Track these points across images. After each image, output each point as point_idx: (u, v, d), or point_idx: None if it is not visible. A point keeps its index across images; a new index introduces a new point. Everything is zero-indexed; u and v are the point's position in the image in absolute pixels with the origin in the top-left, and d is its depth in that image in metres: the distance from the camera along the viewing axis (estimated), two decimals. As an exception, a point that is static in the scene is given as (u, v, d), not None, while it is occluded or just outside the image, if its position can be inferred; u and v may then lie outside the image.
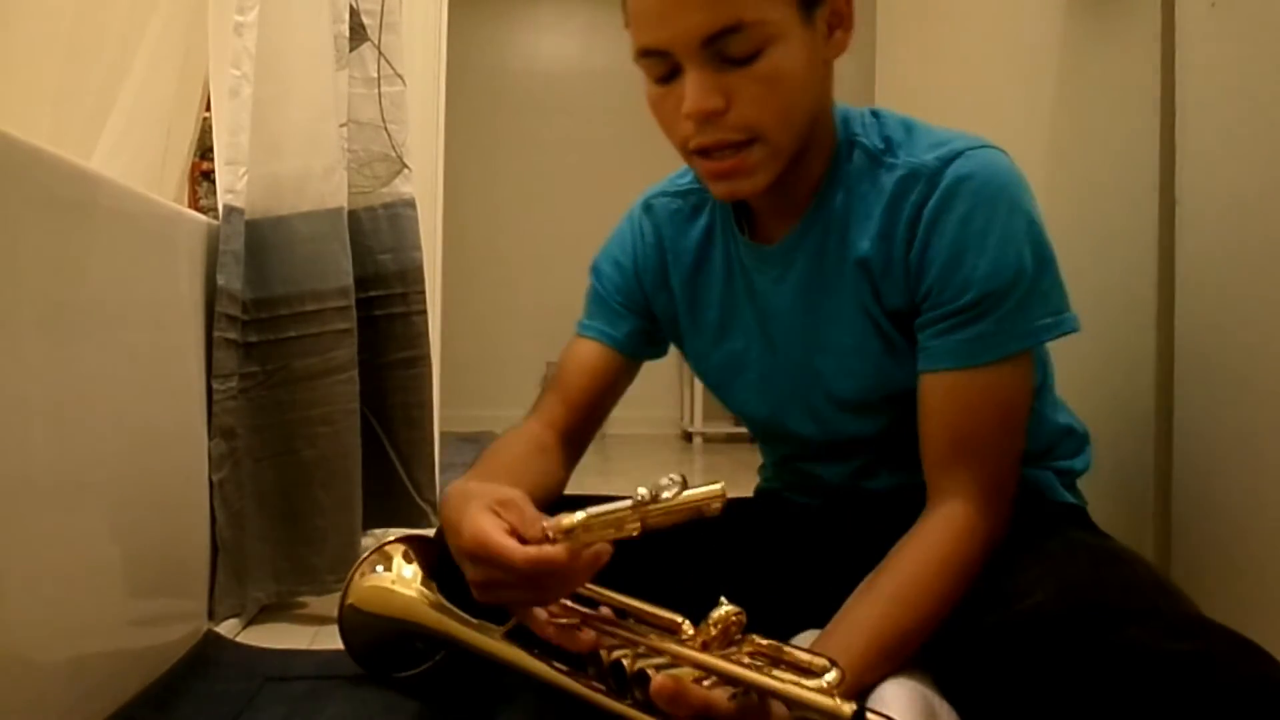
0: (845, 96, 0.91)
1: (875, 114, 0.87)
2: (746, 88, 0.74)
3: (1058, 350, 1.25)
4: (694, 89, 0.74)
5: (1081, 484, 0.95)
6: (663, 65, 0.76)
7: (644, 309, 0.99)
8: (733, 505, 1.02)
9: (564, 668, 0.74)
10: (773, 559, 0.92)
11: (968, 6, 1.57)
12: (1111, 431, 1.12)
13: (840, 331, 0.86)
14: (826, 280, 0.86)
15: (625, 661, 0.69)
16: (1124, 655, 0.57)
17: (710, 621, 0.67)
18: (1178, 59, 1.01)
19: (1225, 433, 0.95)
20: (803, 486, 1.00)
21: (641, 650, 0.70)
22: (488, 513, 0.71)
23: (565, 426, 0.96)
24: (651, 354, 1.02)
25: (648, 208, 1.00)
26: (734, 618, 0.67)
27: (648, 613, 0.73)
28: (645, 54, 0.76)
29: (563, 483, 0.96)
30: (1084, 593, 0.64)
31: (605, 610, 0.75)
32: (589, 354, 0.98)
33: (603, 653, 0.72)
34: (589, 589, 0.76)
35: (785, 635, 0.84)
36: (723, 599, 0.69)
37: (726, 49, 0.73)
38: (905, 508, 0.88)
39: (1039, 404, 0.89)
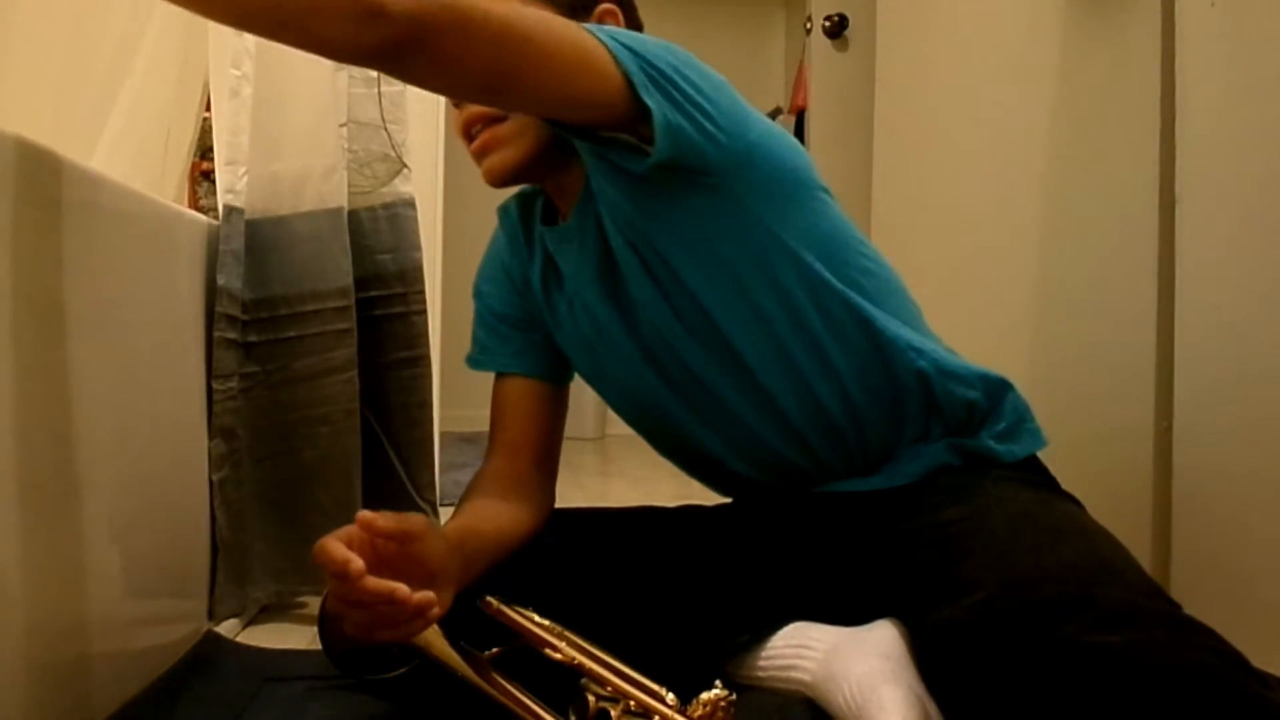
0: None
1: None
2: None
3: (1056, 349, 1.25)
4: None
5: (1080, 483, 0.95)
6: None
7: (525, 312, 1.02)
8: (713, 512, 1.03)
9: (542, 706, 0.74)
10: (751, 557, 0.93)
11: (967, 7, 1.56)
12: (1111, 432, 1.12)
13: (633, 272, 0.88)
14: (607, 243, 0.90)
15: (612, 712, 0.70)
16: (1055, 652, 0.58)
17: (701, 700, 0.68)
18: (1178, 59, 1.01)
19: (1225, 433, 0.95)
20: (736, 490, 1.00)
21: (632, 707, 0.71)
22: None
23: (515, 472, 0.97)
24: (558, 377, 1.02)
25: (503, 211, 1.05)
26: (724, 701, 0.68)
27: (633, 678, 0.74)
28: None
29: (535, 516, 0.95)
30: (1022, 588, 0.64)
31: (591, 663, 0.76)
32: (507, 393, 1.00)
33: (590, 698, 0.73)
34: (578, 643, 0.77)
35: (770, 629, 0.85)
36: (717, 681, 0.70)
37: None
38: (859, 500, 0.89)
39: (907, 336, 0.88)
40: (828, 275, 0.87)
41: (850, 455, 0.90)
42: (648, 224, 0.86)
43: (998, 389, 0.92)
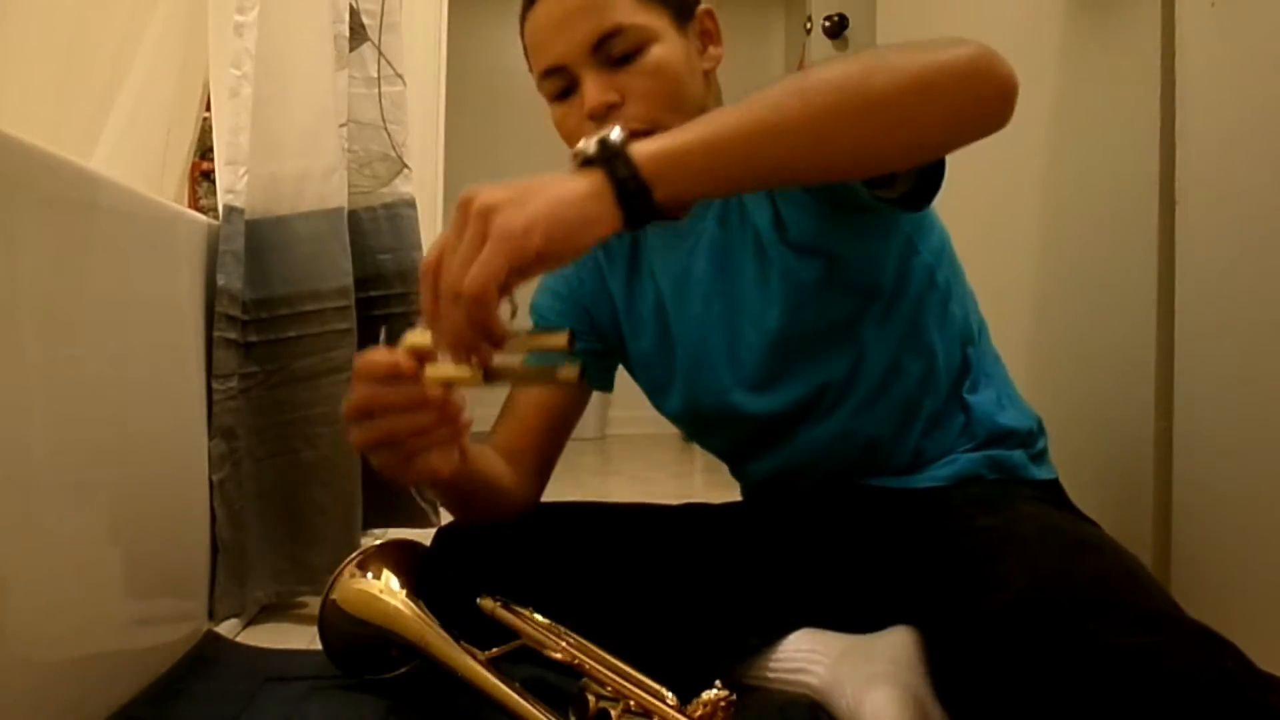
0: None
1: None
2: (636, 82, 0.83)
3: (1056, 349, 1.25)
4: (591, 89, 0.83)
5: (1081, 482, 0.95)
6: (561, 81, 0.85)
7: (588, 326, 1.01)
8: (719, 511, 1.03)
9: (541, 706, 0.74)
10: (762, 558, 0.93)
11: (967, 6, 1.57)
12: (1111, 430, 1.12)
13: (752, 285, 0.90)
14: (732, 240, 0.91)
15: (613, 712, 0.70)
16: (1080, 650, 0.58)
17: (701, 700, 0.68)
18: (1178, 59, 1.01)
19: (1225, 432, 0.95)
20: (770, 484, 1.00)
21: (632, 707, 0.71)
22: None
23: (522, 459, 0.97)
24: (599, 382, 1.04)
25: None
26: (724, 701, 0.68)
27: (633, 677, 0.74)
28: (546, 74, 0.86)
29: (528, 501, 0.97)
30: (1052, 588, 0.65)
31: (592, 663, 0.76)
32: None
33: (590, 698, 0.73)
34: (578, 642, 0.78)
35: (780, 633, 0.85)
36: (717, 681, 0.70)
37: (612, 50, 0.83)
38: (880, 504, 0.89)
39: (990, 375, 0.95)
40: (951, 288, 0.93)
41: (903, 451, 0.92)
42: (821, 222, 0.87)
43: (1038, 424, 0.97)
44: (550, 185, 0.62)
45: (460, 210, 0.61)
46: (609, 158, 0.62)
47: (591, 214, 0.61)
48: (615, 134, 0.63)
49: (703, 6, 0.90)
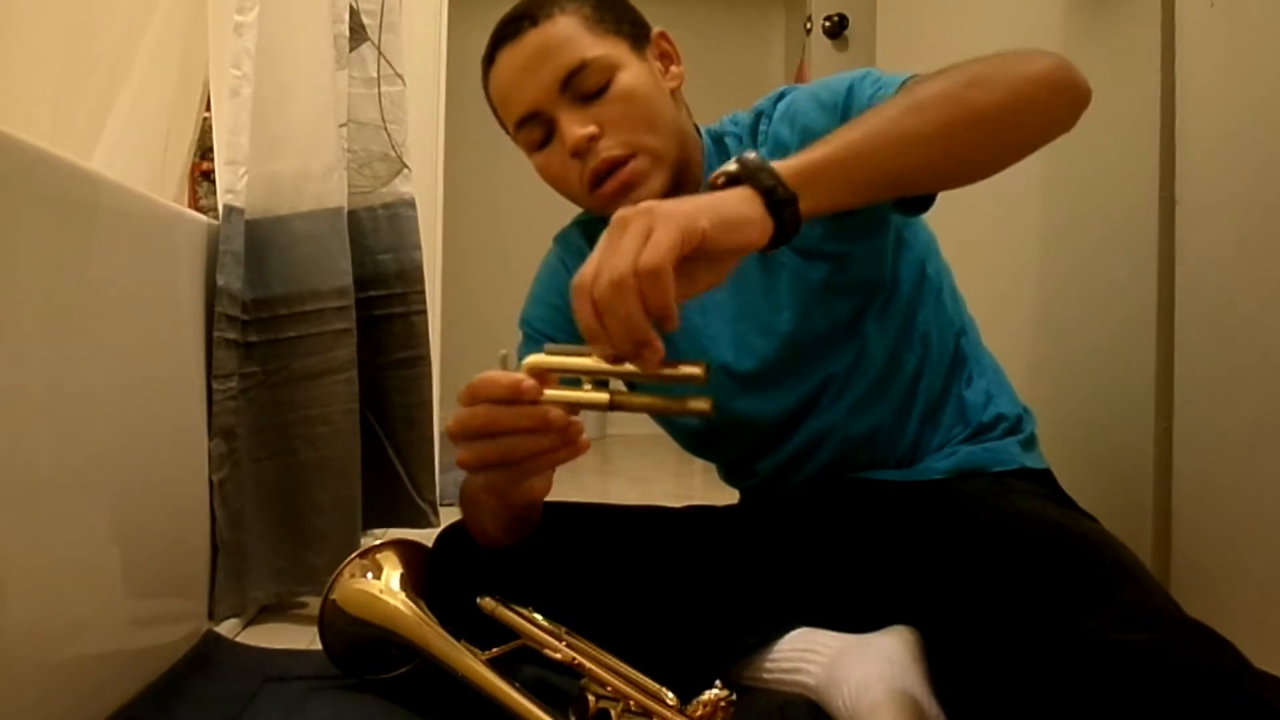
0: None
1: (756, 109, 0.96)
2: (610, 111, 0.86)
3: (1056, 349, 1.25)
4: (568, 125, 0.86)
5: (1080, 482, 0.95)
6: (539, 128, 0.89)
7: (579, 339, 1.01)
8: (719, 512, 1.03)
9: (542, 705, 0.74)
10: (760, 558, 0.93)
11: (967, 6, 1.56)
12: (1112, 430, 1.12)
13: (758, 292, 0.92)
14: None
15: (613, 712, 0.70)
16: (1081, 647, 0.58)
17: (701, 701, 0.69)
18: (1178, 59, 1.01)
19: (1225, 432, 0.95)
20: (771, 487, 1.00)
21: (632, 707, 0.72)
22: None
23: None
24: None
25: (563, 240, 1.05)
26: (723, 701, 0.68)
27: (633, 677, 0.74)
28: (520, 124, 0.89)
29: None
30: (1048, 583, 0.65)
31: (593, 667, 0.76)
32: None
33: (590, 698, 0.73)
34: (578, 643, 0.78)
35: (777, 633, 0.85)
36: (718, 681, 0.70)
37: (581, 86, 0.86)
38: (879, 499, 0.89)
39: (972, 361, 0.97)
40: (943, 280, 0.96)
41: (902, 441, 0.93)
42: (825, 227, 0.88)
43: (1026, 410, 0.99)
44: (702, 195, 0.64)
45: (616, 223, 0.61)
46: (754, 171, 0.64)
47: (746, 214, 0.62)
48: (751, 153, 0.65)
49: (656, 30, 0.94)
